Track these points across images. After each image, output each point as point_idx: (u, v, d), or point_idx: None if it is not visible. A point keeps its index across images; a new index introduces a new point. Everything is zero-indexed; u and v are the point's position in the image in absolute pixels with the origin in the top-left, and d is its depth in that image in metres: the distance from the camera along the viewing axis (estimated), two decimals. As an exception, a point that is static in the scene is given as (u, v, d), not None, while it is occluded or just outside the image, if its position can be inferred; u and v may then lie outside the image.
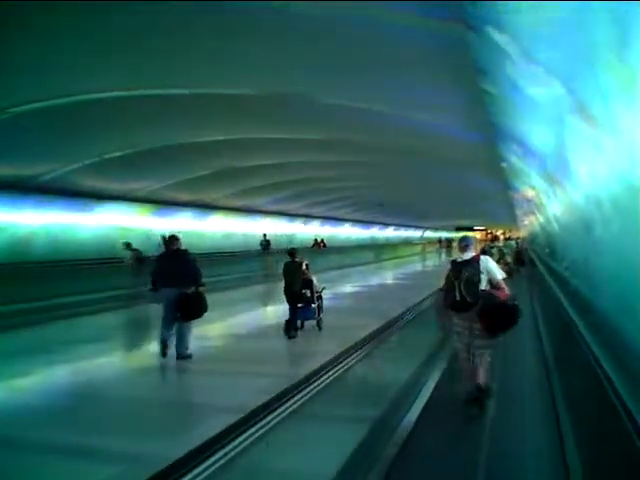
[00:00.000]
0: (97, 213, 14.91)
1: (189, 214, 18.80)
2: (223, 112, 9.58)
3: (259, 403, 3.02)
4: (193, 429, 4.03)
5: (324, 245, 25.60)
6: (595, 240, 4.74)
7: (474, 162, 12.05)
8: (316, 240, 23.73)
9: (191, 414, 5.12)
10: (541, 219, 11.76)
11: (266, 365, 6.71)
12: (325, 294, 9.26)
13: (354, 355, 4.57)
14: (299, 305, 8.52)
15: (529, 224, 29.02)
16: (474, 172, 14.54)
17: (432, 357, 6.47)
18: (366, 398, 4.64)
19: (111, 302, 11.87)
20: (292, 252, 8.81)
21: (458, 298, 4.71)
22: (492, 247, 8.37)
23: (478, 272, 4.74)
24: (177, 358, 6.87)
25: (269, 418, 2.86)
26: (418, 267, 30.71)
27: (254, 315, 12.15)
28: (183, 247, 7.36)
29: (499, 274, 4.88)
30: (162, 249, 7.57)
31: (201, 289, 7.07)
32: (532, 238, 28.46)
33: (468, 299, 4.67)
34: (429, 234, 61.01)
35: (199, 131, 11.20)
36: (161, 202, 16.71)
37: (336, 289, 15.16)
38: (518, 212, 28.94)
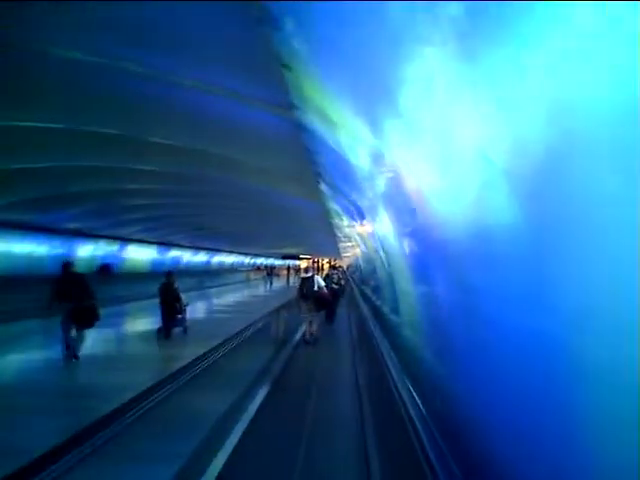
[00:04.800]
0: None
1: None
2: None
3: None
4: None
5: (108, 271, 20.80)
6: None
7: (290, 176, 10.32)
8: (103, 265, 19.73)
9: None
10: (363, 249, 12.96)
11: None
12: None
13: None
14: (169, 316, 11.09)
15: (352, 256, 30.22)
16: (293, 193, 12.91)
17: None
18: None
19: None
20: (168, 275, 11.87)
21: (305, 292, 10.83)
22: (334, 273, 16.24)
23: (313, 282, 10.88)
24: (74, 358, 8.53)
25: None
26: (241, 296, 28.40)
27: None
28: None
29: (322, 283, 11.13)
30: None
31: (93, 303, 8.75)
32: (353, 269, 32.46)
33: (308, 294, 10.79)
34: (258, 260, 59.66)
35: None
36: None
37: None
38: (340, 245, 28.97)
